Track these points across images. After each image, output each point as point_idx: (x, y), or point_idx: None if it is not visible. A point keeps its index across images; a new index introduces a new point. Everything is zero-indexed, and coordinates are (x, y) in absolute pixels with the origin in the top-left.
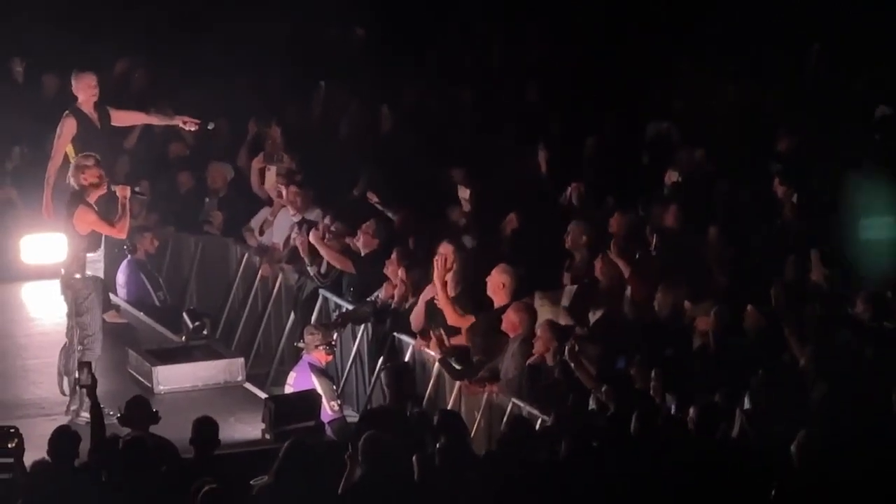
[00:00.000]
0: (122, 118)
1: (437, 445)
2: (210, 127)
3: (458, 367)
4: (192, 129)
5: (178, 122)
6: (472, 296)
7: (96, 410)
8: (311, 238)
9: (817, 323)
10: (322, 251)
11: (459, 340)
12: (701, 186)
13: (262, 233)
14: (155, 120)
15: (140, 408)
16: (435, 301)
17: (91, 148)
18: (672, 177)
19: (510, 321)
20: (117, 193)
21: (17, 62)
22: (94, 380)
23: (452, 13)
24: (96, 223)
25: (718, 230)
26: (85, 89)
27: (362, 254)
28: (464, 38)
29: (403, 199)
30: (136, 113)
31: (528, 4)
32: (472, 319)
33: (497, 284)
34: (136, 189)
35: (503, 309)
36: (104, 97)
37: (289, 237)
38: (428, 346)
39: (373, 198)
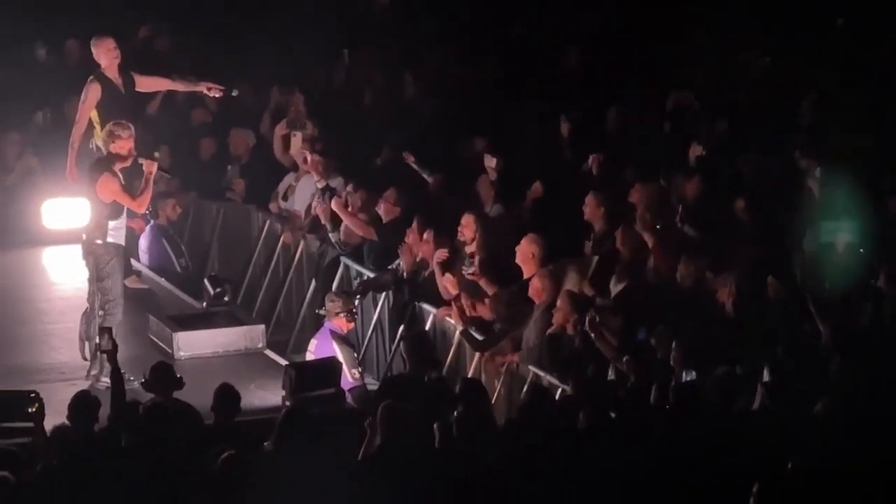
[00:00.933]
0: (146, 84)
1: (457, 414)
2: (234, 94)
3: (479, 337)
4: (217, 95)
5: (202, 88)
6: (498, 265)
7: (117, 376)
8: (333, 205)
9: (839, 295)
10: (344, 219)
11: (484, 310)
12: (724, 158)
13: (286, 198)
14: (179, 86)
15: (164, 373)
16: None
17: (115, 113)
18: (696, 151)
19: (535, 288)
20: (143, 168)
21: (39, 45)
22: (115, 345)
23: None
24: (118, 193)
25: (745, 203)
26: (105, 54)
27: (384, 221)
28: (487, 5)
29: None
30: (161, 79)
31: None
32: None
33: (526, 254)
34: (163, 167)
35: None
36: (127, 62)
37: (311, 205)
38: (450, 316)
39: (409, 158)
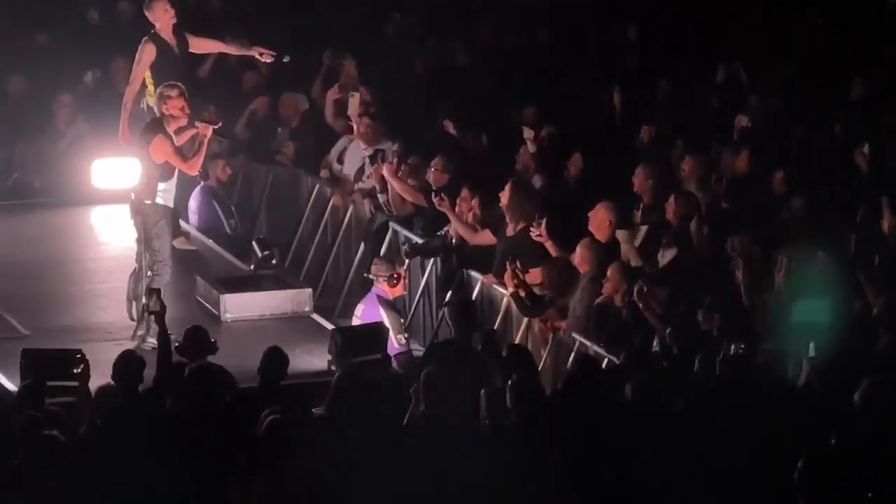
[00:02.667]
0: (199, 45)
1: (508, 382)
2: (286, 60)
3: (528, 303)
4: (268, 60)
5: (254, 52)
6: (558, 232)
7: (164, 338)
8: (385, 171)
9: (890, 271)
10: (394, 184)
11: (535, 276)
12: (772, 131)
13: (340, 161)
14: (232, 49)
15: (198, 338)
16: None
17: (169, 74)
18: (742, 121)
19: (579, 257)
20: (199, 130)
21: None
22: (164, 306)
23: None
24: (171, 155)
25: (784, 175)
26: (162, 15)
27: (433, 188)
28: None
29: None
30: (214, 41)
31: None
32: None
33: (603, 221)
34: (217, 129)
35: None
36: (181, 23)
37: (360, 168)
38: (499, 283)
39: (449, 126)
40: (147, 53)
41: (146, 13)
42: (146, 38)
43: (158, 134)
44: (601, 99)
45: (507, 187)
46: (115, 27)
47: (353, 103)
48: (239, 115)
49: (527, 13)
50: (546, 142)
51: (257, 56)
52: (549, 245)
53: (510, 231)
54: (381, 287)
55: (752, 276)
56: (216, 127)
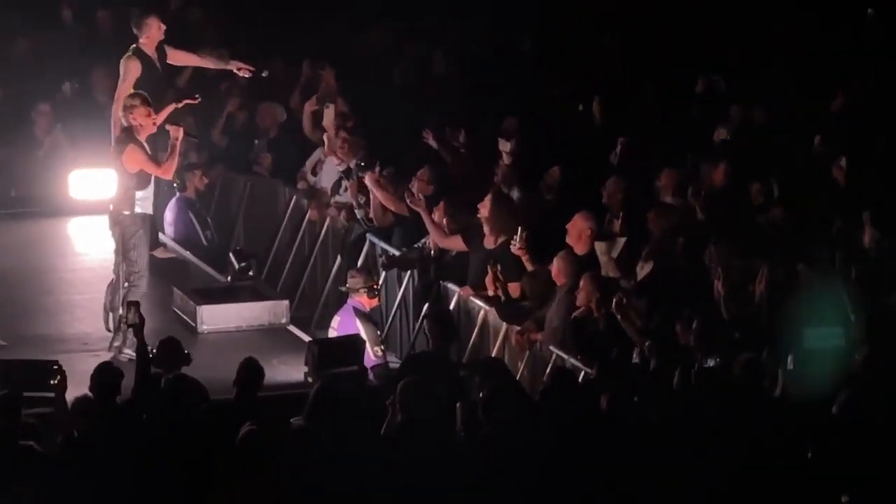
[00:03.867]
0: (177, 58)
1: (481, 394)
2: (264, 74)
3: (508, 309)
4: (246, 75)
5: (232, 67)
6: (537, 244)
7: (142, 350)
8: (367, 181)
9: (869, 285)
10: (377, 194)
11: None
12: (750, 144)
13: (314, 174)
14: (209, 63)
15: (172, 349)
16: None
17: (149, 87)
18: (721, 134)
19: (556, 270)
20: (170, 134)
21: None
22: (142, 319)
23: None
24: (144, 163)
25: (760, 186)
26: (154, 32)
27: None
28: None
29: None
30: (192, 55)
31: None
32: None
33: (583, 230)
34: (189, 131)
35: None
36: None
37: (338, 180)
38: (477, 295)
39: (429, 136)
40: (133, 70)
41: (135, 29)
42: (130, 54)
43: (130, 144)
44: (581, 109)
45: (488, 200)
46: (94, 36)
47: (329, 114)
48: (217, 124)
49: (508, 22)
50: (523, 154)
51: (235, 70)
52: (524, 259)
53: (490, 244)
54: (358, 299)
55: (731, 288)
56: (185, 128)
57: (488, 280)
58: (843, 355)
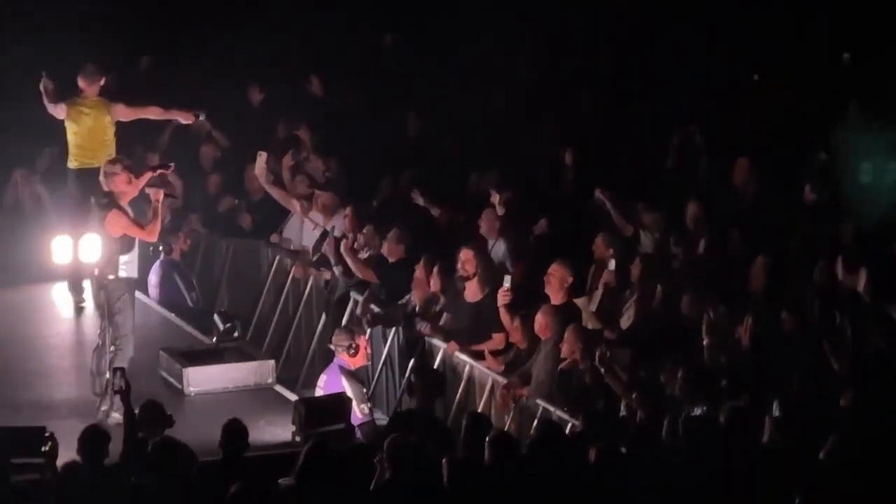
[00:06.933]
0: (123, 113)
1: (467, 450)
2: (201, 118)
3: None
4: (189, 122)
5: (172, 116)
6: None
7: (129, 416)
8: (342, 250)
9: (852, 330)
10: (351, 264)
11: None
12: (726, 192)
13: (281, 232)
14: (152, 114)
15: (154, 412)
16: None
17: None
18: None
19: (540, 324)
20: (150, 196)
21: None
22: (128, 385)
23: (483, 17)
24: (128, 227)
25: (739, 234)
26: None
27: (389, 262)
28: (495, 40)
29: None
30: (135, 108)
31: (559, 7)
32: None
33: (563, 280)
34: (170, 193)
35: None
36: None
37: (320, 239)
38: (462, 351)
39: (417, 197)
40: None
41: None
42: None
43: (112, 210)
44: (557, 162)
45: (471, 256)
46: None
47: (259, 162)
48: (199, 187)
49: (482, 80)
50: (510, 205)
51: (179, 119)
52: (505, 309)
53: (476, 296)
54: (343, 357)
55: (715, 336)
56: (166, 190)
57: (500, 293)
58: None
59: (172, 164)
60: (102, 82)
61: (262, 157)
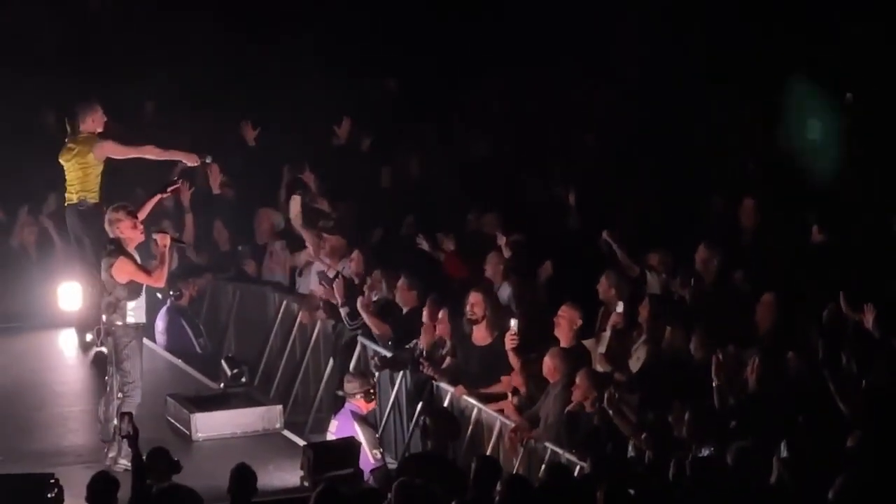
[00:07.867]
0: (113, 150)
1: (476, 492)
2: (208, 161)
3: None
4: (195, 164)
5: (176, 157)
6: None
7: (137, 461)
8: (359, 307)
9: (858, 368)
10: (367, 320)
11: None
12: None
13: (300, 274)
14: (152, 154)
15: (161, 458)
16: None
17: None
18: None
19: (548, 367)
20: (157, 241)
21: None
22: (136, 430)
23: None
24: (135, 273)
25: (743, 273)
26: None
27: (403, 310)
28: (502, 84)
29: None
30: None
31: (560, 49)
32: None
33: (573, 322)
34: (177, 237)
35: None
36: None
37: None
38: (469, 394)
39: (423, 243)
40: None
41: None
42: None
43: (119, 257)
44: (562, 204)
45: (479, 299)
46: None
47: (294, 206)
48: (208, 232)
49: (487, 123)
50: (517, 247)
51: (184, 161)
52: (511, 355)
53: (483, 339)
54: (355, 402)
55: (723, 377)
56: (172, 234)
57: (507, 337)
58: None
59: (179, 180)
60: (94, 118)
61: (296, 201)
